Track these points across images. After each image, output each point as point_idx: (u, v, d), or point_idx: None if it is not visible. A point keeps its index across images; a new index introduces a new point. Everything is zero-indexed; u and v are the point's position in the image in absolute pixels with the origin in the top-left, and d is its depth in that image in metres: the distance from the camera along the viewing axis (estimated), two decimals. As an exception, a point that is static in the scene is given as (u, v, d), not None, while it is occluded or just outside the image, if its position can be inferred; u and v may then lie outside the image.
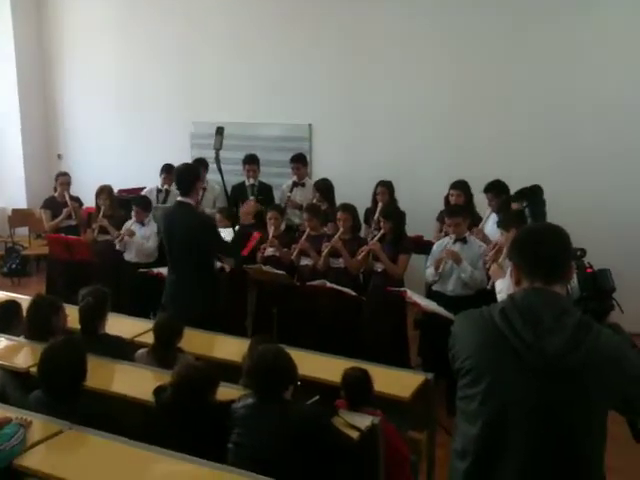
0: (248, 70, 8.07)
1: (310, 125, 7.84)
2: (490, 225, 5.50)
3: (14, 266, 8.46)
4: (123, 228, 6.31)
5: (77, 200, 7.07)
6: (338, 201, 6.16)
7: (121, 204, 6.79)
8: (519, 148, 6.69)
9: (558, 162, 6.48)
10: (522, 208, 4.44)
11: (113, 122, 9.16)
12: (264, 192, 6.99)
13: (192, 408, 3.08)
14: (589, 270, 2.39)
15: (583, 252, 2.49)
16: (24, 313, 4.22)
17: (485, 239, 5.31)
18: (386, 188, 6.19)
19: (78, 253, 6.26)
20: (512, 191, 5.44)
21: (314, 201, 6.32)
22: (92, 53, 9.17)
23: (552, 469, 1.94)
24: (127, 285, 6.21)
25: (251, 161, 7.00)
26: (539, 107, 6.62)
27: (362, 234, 5.92)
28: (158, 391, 3.27)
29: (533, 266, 2.02)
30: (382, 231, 5.36)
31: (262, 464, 2.82)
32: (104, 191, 6.62)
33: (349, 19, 7.45)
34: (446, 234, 5.31)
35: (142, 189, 7.32)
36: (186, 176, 4.79)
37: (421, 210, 6.16)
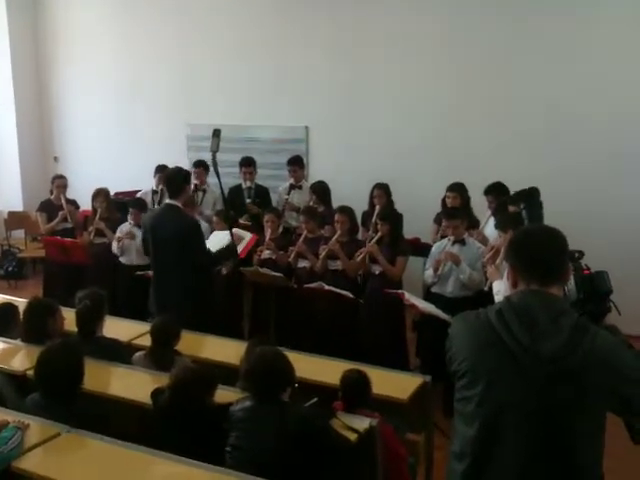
0: (245, 72, 8.06)
1: (307, 127, 7.84)
2: (490, 227, 5.49)
3: (10, 269, 8.46)
4: (118, 231, 6.29)
5: (73, 203, 7.07)
6: (335, 204, 6.16)
7: (118, 207, 6.78)
8: (518, 150, 6.69)
9: (557, 164, 6.48)
10: (519, 210, 4.45)
11: (110, 125, 9.15)
12: (261, 195, 6.99)
13: (190, 411, 3.08)
14: (586, 272, 2.39)
15: (581, 254, 2.49)
16: (21, 316, 4.21)
17: (485, 241, 5.32)
18: (383, 191, 6.19)
19: (74, 256, 6.25)
20: (511, 193, 5.45)
21: (311, 203, 6.33)
22: (89, 55, 9.16)
23: (549, 471, 1.94)
24: (124, 288, 6.20)
25: (248, 163, 7.00)
26: (538, 109, 6.62)
27: (359, 237, 5.93)
28: (156, 394, 3.27)
29: (529, 268, 2.03)
30: (379, 233, 5.36)
31: (260, 467, 2.81)
32: (101, 194, 6.61)
33: (347, 21, 7.46)
34: (443, 236, 5.32)
35: (139, 192, 7.32)
36: (176, 178, 4.83)
37: (418, 212, 6.16)
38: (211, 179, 7.01)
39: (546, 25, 6.50)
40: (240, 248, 5.20)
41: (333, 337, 5.19)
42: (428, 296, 5.34)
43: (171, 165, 5.86)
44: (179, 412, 3.09)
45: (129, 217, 6.34)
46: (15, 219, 8.95)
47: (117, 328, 4.37)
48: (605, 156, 6.39)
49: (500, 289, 3.80)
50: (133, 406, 3.42)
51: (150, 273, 5.62)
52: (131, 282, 6.00)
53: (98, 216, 6.51)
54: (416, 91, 7.23)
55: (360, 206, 6.19)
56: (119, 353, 4.01)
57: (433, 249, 5.27)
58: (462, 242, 5.09)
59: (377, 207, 6.00)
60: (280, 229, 6.10)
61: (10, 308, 4.40)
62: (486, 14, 6.76)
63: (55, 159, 9.66)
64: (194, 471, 2.81)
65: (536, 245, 2.06)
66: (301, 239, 5.64)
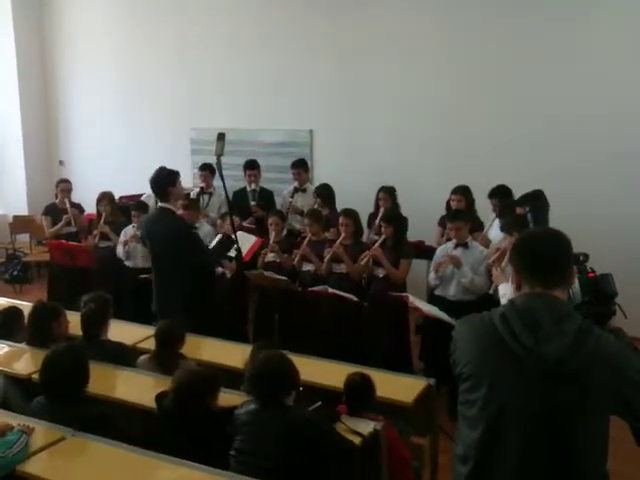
0: (249, 75, 8.08)
1: (311, 131, 7.85)
2: (495, 230, 5.48)
3: (15, 273, 8.47)
4: (122, 235, 6.29)
5: (78, 207, 7.08)
6: (339, 206, 6.16)
7: (122, 211, 6.79)
8: (521, 152, 6.67)
9: (561, 166, 6.45)
10: (525, 213, 4.45)
11: (114, 129, 9.18)
12: (265, 198, 7.00)
13: (193, 414, 3.08)
14: (591, 275, 2.39)
15: (586, 257, 2.49)
16: (25, 320, 4.22)
17: (489, 245, 5.31)
18: (388, 194, 6.20)
19: (79, 259, 6.26)
20: (515, 196, 5.44)
21: (316, 206, 6.33)
22: (93, 60, 9.21)
23: (552, 473, 1.94)
24: (129, 291, 6.21)
25: (252, 167, 7.01)
26: (541, 111, 6.60)
27: (364, 239, 5.93)
28: (160, 397, 3.27)
29: (533, 271, 2.02)
30: (383, 236, 5.36)
31: (264, 470, 2.81)
32: (105, 197, 6.63)
33: (348, 23, 7.46)
34: (448, 239, 5.31)
35: (142, 195, 7.33)
36: (158, 182, 4.81)
37: (423, 215, 6.15)
38: (217, 182, 7.02)
39: (546, 25, 6.48)
40: (245, 251, 5.20)
41: (337, 340, 5.18)
42: (432, 299, 5.33)
43: (176, 170, 5.87)
44: (183, 415, 3.09)
45: (133, 220, 6.35)
46: (20, 223, 8.96)
47: (122, 331, 4.37)
48: (606, 156, 6.36)
49: (506, 292, 3.80)
50: (138, 409, 3.43)
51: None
52: (136, 285, 6.00)
53: (103, 220, 6.53)
54: (417, 92, 7.22)
55: (364, 208, 6.18)
56: (124, 356, 4.01)
57: (437, 252, 5.26)
58: (465, 245, 5.07)
59: (382, 209, 6.01)
60: (284, 232, 6.10)
61: (15, 312, 4.42)
62: (486, 14, 6.75)
63: (60, 163, 9.70)
64: (198, 475, 2.81)
65: (540, 248, 2.05)
66: (305, 242, 5.64)
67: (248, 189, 6.98)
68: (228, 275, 5.82)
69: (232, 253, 4.95)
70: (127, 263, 6.31)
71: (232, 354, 4.12)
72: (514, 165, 6.49)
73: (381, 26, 7.28)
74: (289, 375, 3.05)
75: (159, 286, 4.89)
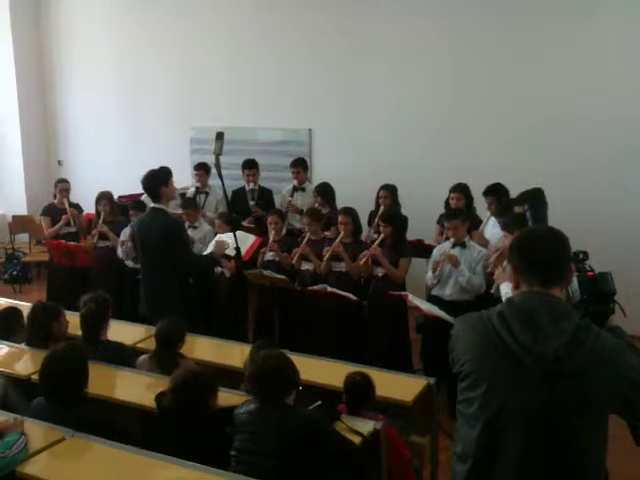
0: (248, 74, 8.08)
1: (310, 130, 7.85)
2: (490, 229, 5.48)
3: (15, 273, 8.45)
4: (121, 235, 6.28)
5: (77, 207, 7.07)
6: (338, 206, 6.16)
7: (121, 210, 6.79)
8: (521, 151, 6.68)
9: (559, 165, 6.46)
10: (524, 211, 4.44)
11: (113, 128, 9.17)
12: (264, 197, 7.00)
13: (192, 413, 3.08)
14: (590, 273, 2.38)
15: (585, 255, 2.49)
16: (25, 320, 4.21)
17: (485, 243, 5.30)
18: (389, 192, 6.20)
19: (78, 259, 6.26)
20: (513, 195, 5.42)
21: (316, 205, 6.32)
22: (91, 59, 9.19)
23: (551, 471, 1.94)
24: (128, 291, 6.20)
25: (250, 166, 7.01)
26: (541, 111, 6.60)
27: (364, 237, 5.92)
28: (160, 397, 3.27)
29: (531, 269, 2.02)
30: (382, 235, 5.35)
31: (264, 470, 2.81)
32: (104, 197, 6.62)
33: (348, 24, 7.45)
34: (447, 238, 5.30)
35: (141, 195, 7.32)
36: (150, 182, 4.82)
37: (422, 214, 6.16)
38: (212, 181, 7.02)
39: (546, 25, 6.49)
40: (244, 250, 5.19)
41: (337, 339, 5.19)
42: (430, 298, 5.33)
43: (175, 169, 5.87)
44: (182, 415, 3.09)
45: (131, 220, 6.34)
46: (19, 223, 8.95)
47: (121, 331, 4.38)
48: (605, 156, 6.38)
49: (507, 291, 3.80)
50: (137, 409, 3.42)
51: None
52: (135, 285, 5.99)
53: (102, 219, 6.52)
54: (417, 91, 7.22)
55: (363, 207, 6.18)
56: (123, 356, 4.01)
57: (434, 251, 5.25)
58: (463, 245, 5.07)
59: (381, 208, 6.01)
60: (284, 231, 6.10)
61: (14, 312, 4.41)
62: (486, 15, 6.76)
63: (59, 163, 9.69)
64: (198, 475, 2.80)
65: (538, 247, 2.05)
66: (304, 241, 5.64)
67: (247, 188, 6.98)
68: (227, 274, 5.81)
69: (231, 252, 4.95)
70: (127, 263, 6.31)
71: (232, 354, 4.12)
72: (514, 164, 6.49)
73: (381, 26, 7.28)
74: (289, 374, 3.05)
75: (148, 285, 4.87)
